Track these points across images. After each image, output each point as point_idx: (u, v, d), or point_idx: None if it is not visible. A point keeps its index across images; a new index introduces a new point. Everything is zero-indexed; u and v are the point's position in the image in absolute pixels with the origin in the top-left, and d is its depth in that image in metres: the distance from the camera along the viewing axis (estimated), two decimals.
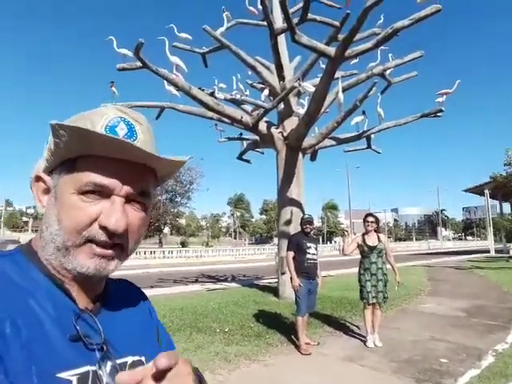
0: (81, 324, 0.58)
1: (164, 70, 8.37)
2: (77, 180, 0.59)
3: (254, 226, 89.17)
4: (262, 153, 12.13)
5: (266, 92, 9.78)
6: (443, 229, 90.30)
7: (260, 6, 7.79)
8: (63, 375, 0.53)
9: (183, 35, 10.09)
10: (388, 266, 5.53)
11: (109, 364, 0.59)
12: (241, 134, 11.39)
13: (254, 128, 9.43)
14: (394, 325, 6.60)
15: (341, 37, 7.29)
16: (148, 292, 0.82)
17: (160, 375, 0.45)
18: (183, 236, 51.97)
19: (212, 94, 9.39)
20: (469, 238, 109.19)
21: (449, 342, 5.52)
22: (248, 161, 12.24)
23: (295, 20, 7.19)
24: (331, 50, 6.97)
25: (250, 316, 7.05)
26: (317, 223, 75.58)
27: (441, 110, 9.59)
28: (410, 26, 6.56)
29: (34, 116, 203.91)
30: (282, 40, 9.39)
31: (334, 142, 10.26)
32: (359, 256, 5.63)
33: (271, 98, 9.71)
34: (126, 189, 0.60)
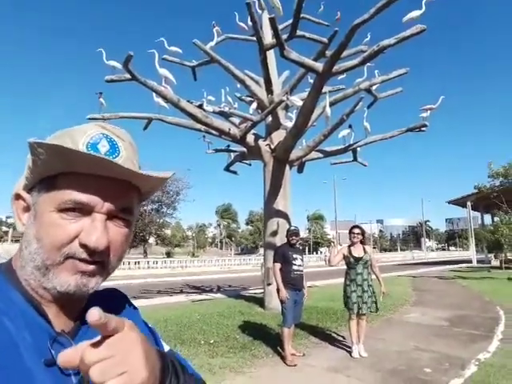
0: (56, 348, 0.55)
1: (153, 82, 8.40)
2: (57, 198, 0.58)
3: (241, 237, 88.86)
4: (250, 164, 12.21)
5: (255, 105, 9.91)
6: (427, 239, 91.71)
7: (250, 22, 7.93)
8: None
9: (173, 49, 10.16)
10: (373, 277, 5.62)
11: None
12: (228, 145, 11.49)
13: (241, 140, 9.51)
14: (380, 335, 6.67)
15: (329, 53, 7.45)
16: None
17: (100, 343, 0.42)
18: (168, 246, 51.23)
19: (201, 107, 9.47)
20: (452, 248, 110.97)
21: (433, 352, 5.61)
22: (235, 172, 12.31)
23: (284, 36, 7.35)
24: (319, 66, 7.13)
25: (235, 327, 7.01)
26: (303, 234, 75.76)
27: (425, 125, 9.83)
28: (395, 45, 6.71)
29: (18, 127, 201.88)
30: (271, 55, 9.52)
31: (321, 155, 10.40)
32: (345, 267, 5.71)
33: (259, 111, 9.81)
34: (108, 206, 0.59)
